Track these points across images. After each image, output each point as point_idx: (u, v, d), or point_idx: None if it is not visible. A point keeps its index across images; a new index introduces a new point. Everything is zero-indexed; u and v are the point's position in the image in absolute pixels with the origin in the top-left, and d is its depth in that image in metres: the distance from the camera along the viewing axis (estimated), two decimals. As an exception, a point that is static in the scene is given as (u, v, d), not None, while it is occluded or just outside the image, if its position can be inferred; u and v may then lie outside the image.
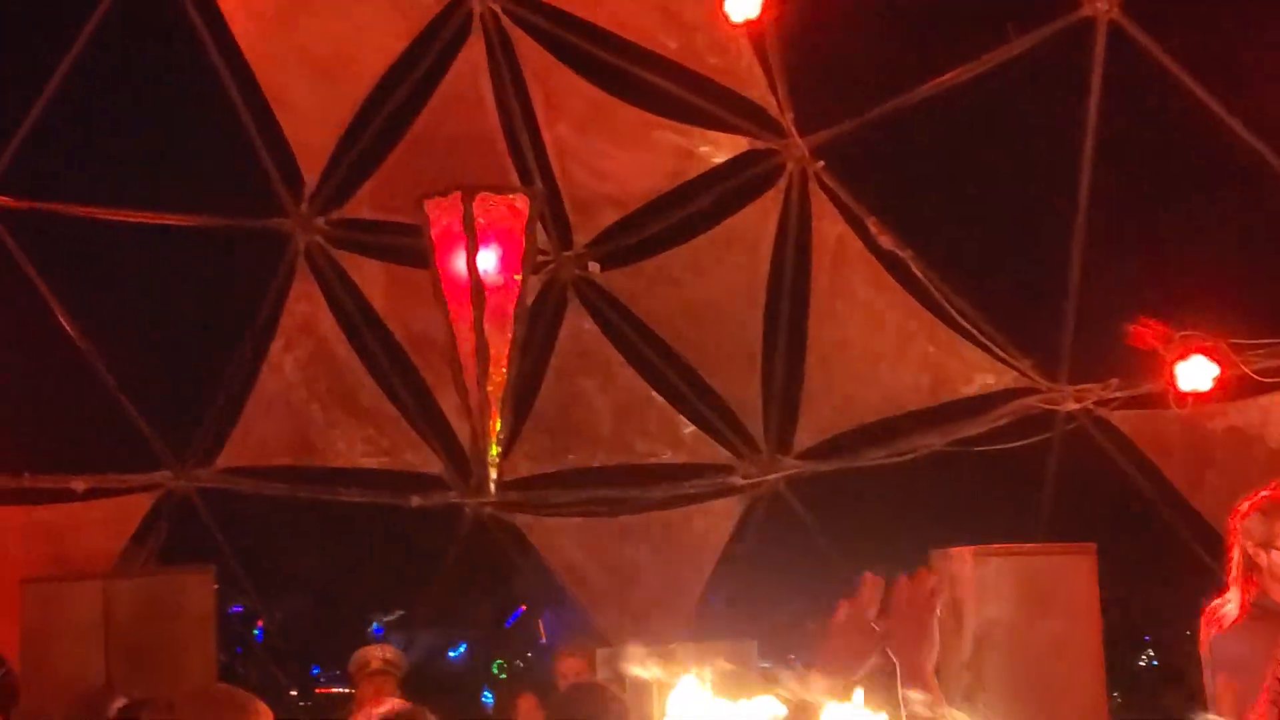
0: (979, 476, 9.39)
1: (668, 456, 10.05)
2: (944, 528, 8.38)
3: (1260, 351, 8.07)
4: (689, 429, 9.98)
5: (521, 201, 9.14)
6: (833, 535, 9.72)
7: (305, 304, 10.04)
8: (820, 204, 9.17)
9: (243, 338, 10.02)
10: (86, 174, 9.87)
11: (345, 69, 9.65)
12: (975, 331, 8.84)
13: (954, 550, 7.30)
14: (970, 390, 9.07)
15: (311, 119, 9.75)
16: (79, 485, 9.68)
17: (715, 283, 9.64)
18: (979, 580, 7.24)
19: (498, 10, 9.55)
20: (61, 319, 9.66)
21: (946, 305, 8.85)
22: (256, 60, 9.50)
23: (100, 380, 9.75)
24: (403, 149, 9.78)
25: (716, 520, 10.00)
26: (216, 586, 8.77)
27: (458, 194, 8.98)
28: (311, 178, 9.82)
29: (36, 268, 9.50)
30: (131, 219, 9.76)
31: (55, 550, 9.45)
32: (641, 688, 5.57)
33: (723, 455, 9.98)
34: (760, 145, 9.27)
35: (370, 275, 10.09)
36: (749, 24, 8.80)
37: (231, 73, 9.49)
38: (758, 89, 9.06)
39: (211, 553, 9.85)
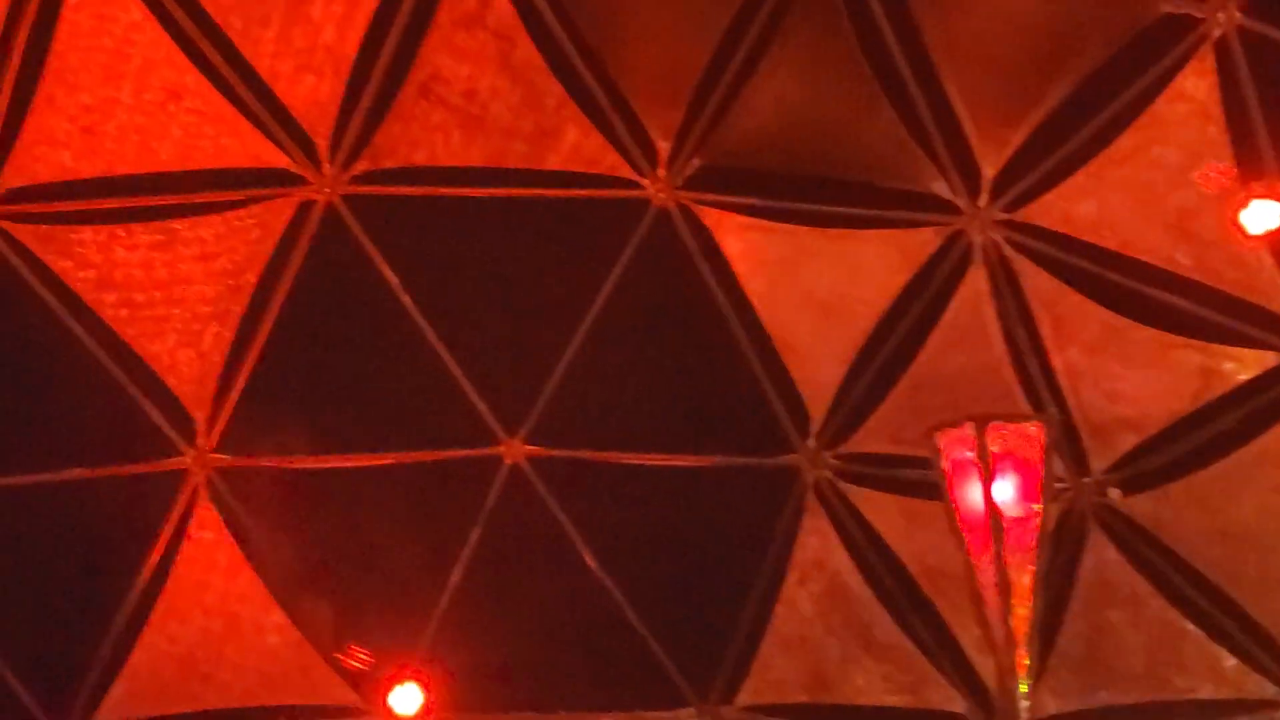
0: None
1: (1208, 692, 7.95)
2: None
3: None
4: (1230, 662, 7.87)
5: (1036, 429, 7.28)
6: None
7: (817, 539, 8.43)
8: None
9: (757, 574, 8.49)
10: (609, 422, 8.55)
11: (847, 307, 8.15)
12: None
13: None
14: None
15: (816, 357, 8.27)
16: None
17: (1249, 504, 7.61)
18: None
19: (999, 240, 7.88)
20: (585, 556, 8.40)
21: None
22: (762, 305, 8.15)
23: (623, 617, 8.40)
24: (907, 382, 8.15)
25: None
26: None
27: (969, 424, 7.18)
28: (818, 414, 8.31)
29: (567, 513, 8.36)
30: (646, 461, 8.43)
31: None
32: None
33: (1269, 690, 7.83)
34: (1289, 361, 7.37)
35: (881, 509, 8.38)
36: (1269, 235, 7.08)
37: (739, 317, 8.17)
38: (1282, 302, 7.25)
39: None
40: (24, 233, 7.52)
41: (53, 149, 7.39)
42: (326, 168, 7.63)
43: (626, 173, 7.78)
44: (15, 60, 7.14)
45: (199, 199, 7.61)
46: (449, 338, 8.02)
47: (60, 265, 7.61)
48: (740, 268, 8.06)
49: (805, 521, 8.43)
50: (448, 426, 8.16)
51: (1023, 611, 7.30)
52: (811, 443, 8.34)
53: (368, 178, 7.68)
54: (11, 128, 7.28)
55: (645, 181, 7.81)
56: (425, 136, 7.64)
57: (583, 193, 7.84)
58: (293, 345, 7.88)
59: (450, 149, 7.69)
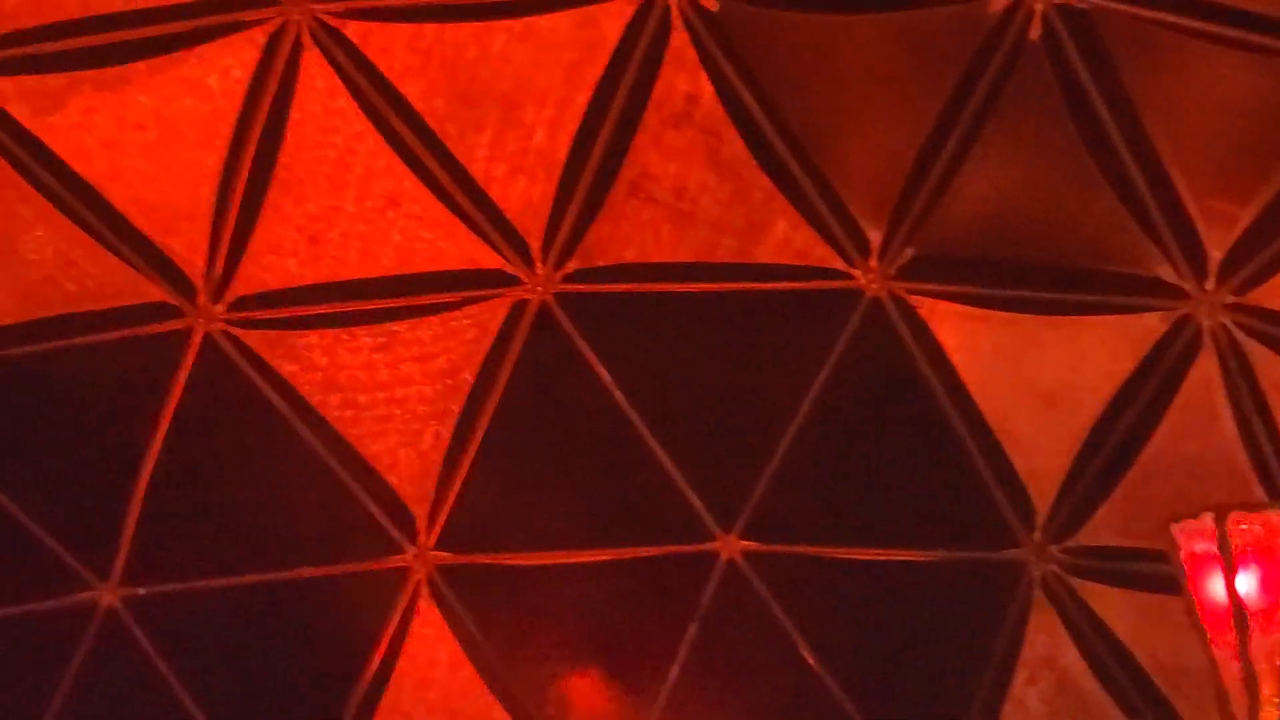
0: None
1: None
2: None
3: None
4: None
5: (1279, 518, 6.64)
6: None
7: (1045, 636, 7.72)
8: None
9: (983, 672, 7.83)
10: (825, 516, 8.03)
11: (1071, 395, 7.50)
12: None
13: None
14: None
15: (1039, 447, 7.62)
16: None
17: None
18: None
19: (1228, 324, 7.18)
20: (805, 654, 7.85)
21: None
22: (981, 394, 7.57)
23: (837, 704, 7.82)
24: (1137, 471, 7.44)
25: None
26: None
27: (1208, 515, 6.49)
28: (1043, 506, 7.63)
29: (784, 609, 7.86)
30: (865, 556, 7.87)
31: None
32: None
33: None
34: None
35: (1113, 604, 7.63)
36: None
37: (957, 408, 7.60)
38: None
39: None
40: (253, 338, 7.39)
41: (280, 257, 7.27)
42: (539, 267, 7.36)
43: (838, 264, 7.33)
44: (244, 173, 7.06)
45: (418, 301, 7.41)
46: (662, 433, 7.64)
47: (287, 369, 7.47)
48: (957, 357, 7.50)
49: (1033, 618, 7.76)
50: (662, 522, 7.76)
51: (1271, 709, 6.58)
52: (1037, 536, 7.69)
53: (580, 276, 7.38)
54: (241, 238, 7.18)
55: (857, 272, 7.34)
56: (635, 233, 7.32)
57: (794, 285, 7.41)
58: (509, 442, 7.61)
59: (660, 245, 7.35)
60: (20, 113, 6.78)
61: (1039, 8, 6.57)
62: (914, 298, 7.35)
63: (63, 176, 6.93)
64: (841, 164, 7.15)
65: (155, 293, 7.19)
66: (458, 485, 7.67)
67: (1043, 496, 7.61)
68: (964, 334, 7.47)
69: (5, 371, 7.18)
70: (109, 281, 7.13)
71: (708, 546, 7.82)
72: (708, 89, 6.99)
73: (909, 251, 7.29)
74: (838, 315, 7.46)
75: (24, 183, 6.88)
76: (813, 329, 7.54)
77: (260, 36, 6.80)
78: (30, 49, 6.67)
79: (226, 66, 6.85)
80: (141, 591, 7.69)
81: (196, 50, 6.79)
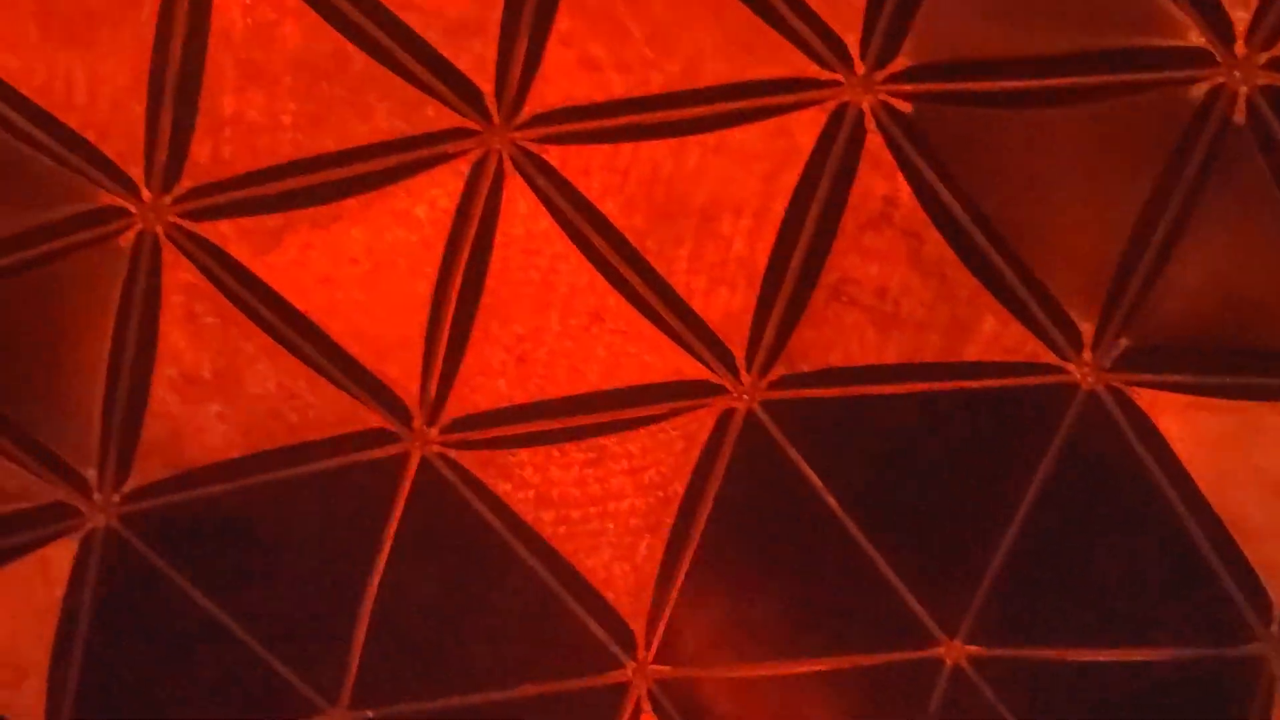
0: None
1: None
2: None
3: None
4: None
5: None
6: None
7: (1291, 734, 7.46)
8: None
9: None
10: (1051, 616, 7.85)
11: (1302, 482, 7.29)
12: None
13: None
14: None
15: (1273, 537, 7.39)
16: None
17: None
18: None
19: None
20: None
21: None
22: (1208, 485, 7.34)
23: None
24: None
25: None
26: None
27: None
28: (1280, 599, 7.43)
29: (1014, 715, 7.68)
30: (1095, 657, 7.66)
31: None
32: None
33: None
34: None
35: (1363, 701, 7.35)
36: None
37: (1183, 500, 7.38)
38: None
39: None
40: (468, 459, 7.58)
41: (490, 378, 7.46)
42: (744, 376, 7.42)
43: (1050, 358, 7.23)
44: (453, 299, 7.28)
45: (625, 415, 7.52)
46: (877, 537, 7.59)
47: (501, 487, 7.63)
48: (1181, 448, 7.31)
49: (1276, 715, 7.47)
50: (883, 628, 7.67)
51: None
52: (1275, 629, 7.41)
53: (785, 382, 7.42)
54: (452, 361, 7.40)
55: (1070, 366, 7.22)
56: (839, 337, 7.34)
57: (1006, 382, 7.33)
58: (723, 552, 7.64)
59: (865, 348, 7.35)
60: (241, 253, 7.12)
61: (1242, 90, 6.45)
62: (1132, 389, 7.20)
63: (282, 312, 7.23)
64: (1048, 257, 7.08)
65: (373, 419, 7.43)
66: (673, 598, 7.71)
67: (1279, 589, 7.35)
68: (1186, 423, 7.28)
69: (235, 502, 7.48)
70: (329, 410, 7.39)
71: (931, 653, 7.70)
72: (905, 190, 7.00)
73: (1123, 342, 7.16)
74: (1053, 410, 7.35)
75: (246, 320, 7.21)
76: (1028, 425, 7.43)
77: (464, 167, 7.05)
78: (248, 192, 7.01)
79: (433, 197, 7.11)
80: (370, 714, 7.88)
81: (404, 184, 7.07)
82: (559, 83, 6.90)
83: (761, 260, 7.22)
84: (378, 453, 7.48)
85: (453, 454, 7.55)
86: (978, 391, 7.35)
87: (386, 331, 7.31)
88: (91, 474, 7.35)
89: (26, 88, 6.69)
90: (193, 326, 7.21)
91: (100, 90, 6.73)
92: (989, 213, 7.01)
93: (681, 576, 7.69)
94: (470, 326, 7.34)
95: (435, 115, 6.91)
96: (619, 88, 6.93)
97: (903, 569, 7.61)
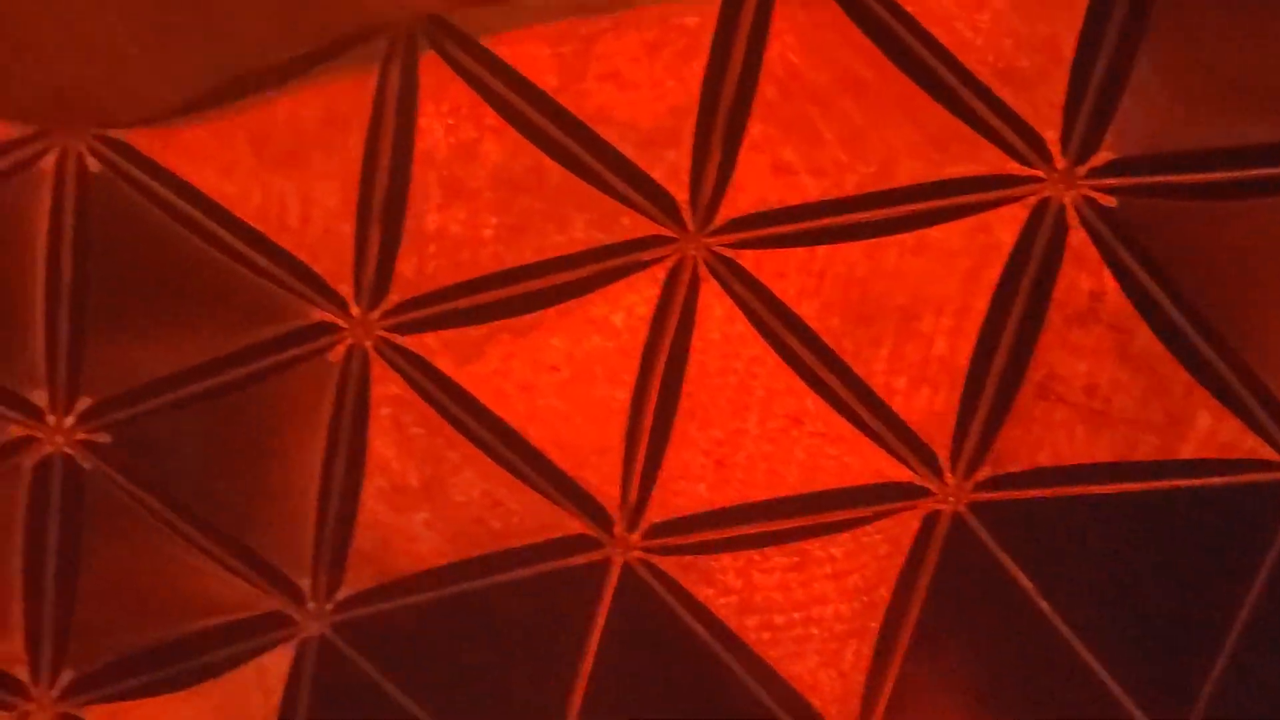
0: None
1: None
2: None
3: None
4: None
5: None
6: None
7: None
8: None
9: None
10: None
11: None
12: None
13: None
14: None
15: None
16: None
17: None
18: None
19: None
20: None
21: None
22: None
23: None
24: None
25: None
26: None
27: None
28: None
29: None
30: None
31: None
32: None
33: None
34: None
35: None
36: None
37: None
38: None
39: None
40: (669, 564, 7.62)
41: (690, 483, 7.51)
42: (949, 477, 7.33)
43: (1270, 454, 7.00)
44: (651, 404, 7.36)
45: (827, 519, 7.48)
46: (1094, 642, 7.38)
47: (703, 593, 7.65)
48: None
49: None
50: (1100, 736, 7.46)
51: None
52: None
53: (992, 483, 7.31)
54: (652, 467, 7.47)
55: (1292, 462, 7.00)
56: (1047, 436, 7.21)
57: (1224, 479, 7.11)
58: (932, 658, 7.52)
59: (1075, 447, 7.21)
60: (444, 364, 7.33)
61: None
62: (1359, 485, 6.93)
63: (485, 420, 7.40)
64: (1264, 350, 6.87)
65: (575, 525, 7.53)
66: (882, 706, 7.61)
67: None
68: None
69: (442, 610, 7.64)
70: (531, 517, 7.52)
71: (1153, 761, 7.47)
72: (1112, 285, 6.88)
73: (1346, 436, 6.92)
74: (1275, 506, 7.10)
75: (450, 429, 7.39)
76: (1249, 522, 7.19)
77: (660, 273, 7.16)
78: (451, 305, 7.22)
79: (630, 304, 7.23)
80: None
81: (601, 292, 7.20)
82: (752, 188, 6.98)
83: (964, 359, 7.15)
84: (579, 559, 7.57)
85: (654, 559, 7.60)
86: (1195, 490, 7.14)
87: (586, 438, 7.43)
88: (305, 583, 7.59)
89: (242, 211, 7.02)
90: (400, 436, 7.42)
91: (312, 212, 7.03)
92: (1200, 306, 6.85)
93: (890, 684, 7.59)
94: (669, 431, 7.41)
95: (631, 224, 7.04)
96: (813, 191, 6.97)
97: (1120, 675, 7.40)
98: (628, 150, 6.93)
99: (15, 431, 7.23)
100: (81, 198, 6.97)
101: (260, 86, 6.78)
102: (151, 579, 7.51)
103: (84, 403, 7.23)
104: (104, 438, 7.28)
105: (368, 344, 7.23)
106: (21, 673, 7.57)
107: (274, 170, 6.98)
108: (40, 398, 7.21)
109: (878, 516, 7.42)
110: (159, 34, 6.45)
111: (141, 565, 7.48)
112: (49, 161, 6.90)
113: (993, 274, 7.01)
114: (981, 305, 7.07)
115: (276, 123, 6.88)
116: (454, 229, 7.09)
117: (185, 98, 6.70)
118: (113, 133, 6.88)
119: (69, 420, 7.23)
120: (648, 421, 7.37)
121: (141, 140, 6.92)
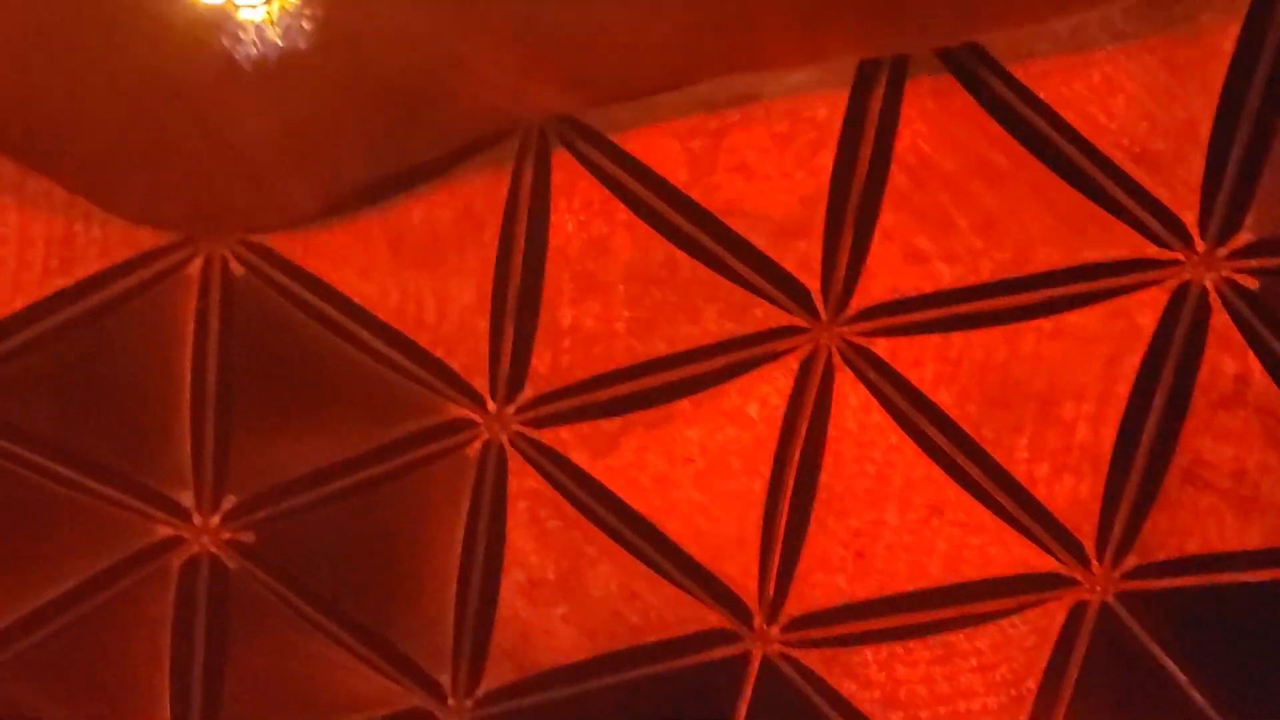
0: None
1: None
2: None
3: None
4: None
5: None
6: None
7: None
8: None
9: None
10: None
11: None
12: None
13: None
14: None
15: None
16: None
17: None
18: None
19: None
20: None
21: None
22: None
23: None
24: None
25: None
26: None
27: None
28: None
29: None
30: None
31: None
32: None
33: None
34: None
35: None
36: None
37: None
38: None
39: None
40: (810, 658, 7.57)
41: (828, 574, 7.47)
42: (1095, 566, 7.22)
43: None
44: (788, 495, 7.36)
45: (972, 610, 7.39)
46: (1250, 735, 7.21)
47: (846, 687, 7.58)
48: None
49: None
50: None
51: None
52: None
53: (1139, 572, 7.18)
54: (790, 559, 7.45)
55: None
56: (1195, 523, 7.08)
57: (1382, 565, 6.93)
58: (1081, 753, 7.38)
59: (1224, 534, 7.07)
60: (580, 458, 7.40)
61: None
62: None
63: (621, 513, 7.45)
64: None
65: (713, 618, 7.52)
66: (1039, 799, 7.48)
67: None
68: None
69: (581, 704, 7.65)
70: (669, 611, 7.53)
71: None
72: (1257, 367, 6.78)
73: None
74: None
75: (587, 523, 7.46)
76: None
77: (793, 363, 7.19)
78: (585, 398, 7.31)
79: (764, 395, 7.26)
80: None
81: (735, 382, 7.24)
82: (885, 276, 7.00)
83: (1107, 445, 7.07)
84: (719, 653, 7.55)
85: (795, 653, 7.56)
86: (1353, 576, 6.97)
87: (723, 529, 7.44)
88: (446, 679, 7.66)
89: (381, 310, 7.19)
90: (537, 530, 7.50)
91: (448, 309, 7.18)
92: (1352, 387, 6.72)
93: (1043, 778, 7.46)
94: (806, 522, 7.40)
95: (763, 315, 7.09)
96: (947, 278, 6.98)
97: (1282, 770, 7.20)
98: (759, 241, 7.00)
99: (163, 532, 7.42)
100: (226, 301, 7.18)
101: (398, 189, 6.97)
102: (295, 675, 7.63)
103: (229, 501, 7.41)
104: (248, 537, 7.45)
105: (504, 438, 7.34)
106: (169, 769, 7.72)
107: (411, 269, 7.15)
108: (187, 498, 7.40)
109: (1023, 607, 7.33)
110: (301, 141, 6.66)
111: (285, 662, 7.61)
112: (195, 266, 7.12)
113: (1134, 359, 6.94)
114: (1123, 390, 7.00)
115: (413, 223, 7.06)
116: (587, 323, 7.19)
117: (326, 202, 6.90)
118: (256, 237, 7.09)
119: (214, 520, 7.41)
120: (784, 513, 7.37)
121: (283, 244, 7.13)
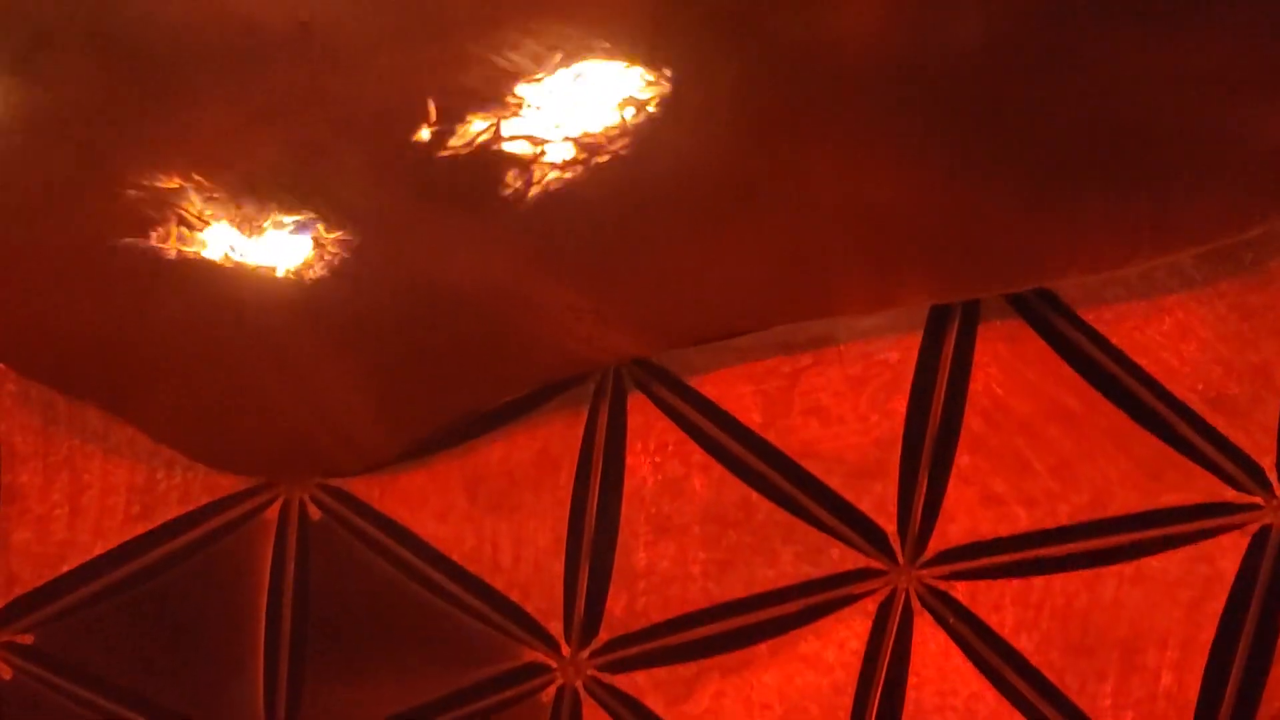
0: None
1: None
2: None
3: None
4: None
5: None
6: None
7: None
8: None
9: None
10: None
11: None
12: None
13: None
14: None
15: None
16: None
17: None
18: None
19: None
20: None
21: None
22: None
23: None
24: None
25: None
26: None
27: None
28: None
29: None
30: None
31: None
32: None
33: None
34: None
35: None
36: None
37: None
38: None
39: None
40: None
41: (909, 827, 7.40)
42: (1187, 819, 7.13)
43: None
44: (867, 743, 7.35)
45: None
46: None
47: None
48: None
49: None
50: None
51: None
52: None
53: (1232, 824, 7.09)
54: (869, 809, 7.40)
55: None
56: (1289, 776, 7.00)
57: None
58: None
59: (1319, 784, 6.98)
60: (655, 704, 7.41)
61: None
62: None
63: (711, 757, 7.44)
64: None
65: None
66: None
67: None
68: None
69: None
70: None
71: None
72: (1348, 605, 6.78)
73: None
74: None
75: (663, 769, 7.44)
76: None
77: (871, 606, 7.22)
78: (661, 642, 7.35)
79: (842, 639, 7.28)
80: None
81: (812, 626, 7.27)
82: (962, 519, 7.08)
83: (1192, 693, 7.03)
84: None
85: None
86: None
87: (802, 779, 7.40)
88: None
89: (457, 554, 7.31)
90: (612, 778, 7.48)
91: (523, 552, 7.30)
92: None
93: None
94: (886, 768, 7.36)
95: (840, 557, 7.16)
96: (1024, 521, 7.05)
97: None
98: (834, 483, 7.10)
99: (242, 780, 7.45)
100: (302, 544, 7.32)
101: (476, 431, 7.15)
102: None
103: (301, 748, 7.45)
104: (319, 785, 7.47)
105: (578, 683, 7.37)
106: None
107: (487, 512, 7.29)
108: (261, 747, 7.45)
109: None
110: (381, 386, 6.88)
111: None
112: (273, 511, 7.29)
113: (1216, 604, 6.95)
114: (1206, 637, 6.98)
115: (491, 466, 7.22)
116: (663, 565, 7.27)
117: (405, 445, 7.09)
118: (335, 481, 7.27)
119: (283, 768, 7.45)
120: (863, 764, 7.33)
121: (361, 487, 7.30)
